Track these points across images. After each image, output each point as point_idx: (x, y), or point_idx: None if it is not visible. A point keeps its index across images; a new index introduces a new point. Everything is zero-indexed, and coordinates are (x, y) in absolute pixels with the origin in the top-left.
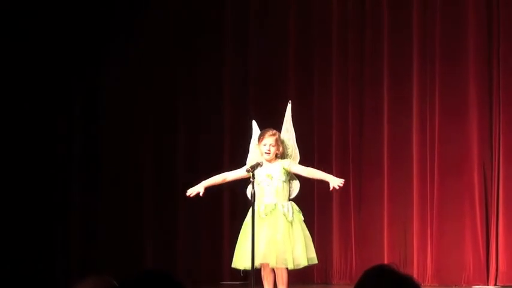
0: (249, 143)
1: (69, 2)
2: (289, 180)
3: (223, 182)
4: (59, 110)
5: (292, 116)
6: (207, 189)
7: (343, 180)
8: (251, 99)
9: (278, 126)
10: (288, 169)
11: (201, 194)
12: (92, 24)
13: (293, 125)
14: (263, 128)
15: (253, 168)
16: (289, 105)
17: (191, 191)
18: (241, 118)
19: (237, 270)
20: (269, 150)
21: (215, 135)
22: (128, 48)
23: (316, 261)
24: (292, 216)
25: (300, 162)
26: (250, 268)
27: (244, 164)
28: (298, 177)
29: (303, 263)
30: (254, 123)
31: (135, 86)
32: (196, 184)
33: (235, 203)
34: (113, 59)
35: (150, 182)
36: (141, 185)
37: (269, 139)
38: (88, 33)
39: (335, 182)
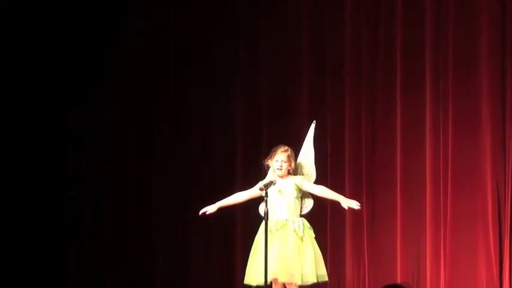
0: (261, 153)
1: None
2: (302, 197)
3: (237, 203)
4: (69, 111)
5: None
6: (221, 209)
7: (357, 202)
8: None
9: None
10: (300, 186)
11: (212, 213)
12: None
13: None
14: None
15: (267, 186)
16: (312, 125)
17: (205, 210)
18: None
19: (250, 287)
20: (281, 167)
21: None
22: (138, 51)
23: (326, 279)
24: (303, 232)
25: (315, 180)
26: (262, 284)
27: (256, 174)
28: (312, 194)
29: (311, 279)
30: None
31: (146, 94)
32: (208, 202)
33: (248, 219)
34: (123, 65)
35: (161, 195)
36: (151, 199)
37: (281, 155)
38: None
39: (346, 202)
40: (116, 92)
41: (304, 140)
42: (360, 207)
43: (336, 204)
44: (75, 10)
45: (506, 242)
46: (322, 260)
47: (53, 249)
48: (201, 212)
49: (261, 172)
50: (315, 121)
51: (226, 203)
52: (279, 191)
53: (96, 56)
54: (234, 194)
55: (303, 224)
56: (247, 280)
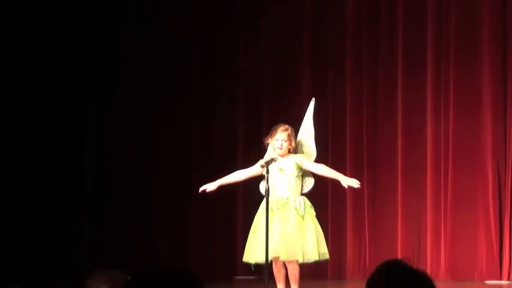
0: (262, 137)
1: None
2: (303, 176)
3: (238, 181)
4: (70, 108)
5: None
6: (221, 187)
7: (357, 181)
8: (264, 95)
9: (291, 121)
10: (300, 164)
11: (212, 191)
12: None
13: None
14: (285, 121)
15: (268, 163)
16: (312, 103)
17: (205, 187)
18: (254, 113)
19: (249, 265)
20: (281, 146)
21: (228, 130)
22: (139, 44)
23: (327, 257)
24: (304, 211)
25: (316, 159)
26: (261, 262)
27: (257, 158)
28: (313, 173)
29: (313, 257)
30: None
31: (147, 83)
32: (209, 181)
33: (249, 197)
34: (124, 58)
35: (162, 175)
36: (153, 180)
37: (281, 134)
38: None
39: (346, 181)
40: (119, 86)
41: (303, 117)
42: (360, 186)
43: (337, 183)
44: (75, 9)
45: (507, 221)
46: (324, 238)
47: (53, 249)
48: (200, 189)
49: (262, 154)
50: (314, 98)
51: (226, 181)
52: (280, 170)
53: (96, 55)
54: (235, 172)
55: (304, 203)
56: (246, 258)
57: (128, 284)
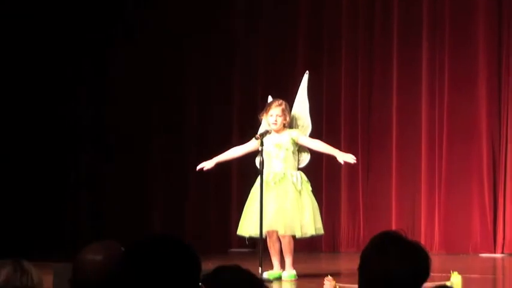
0: (257, 112)
1: None
2: (298, 151)
3: (234, 157)
4: (68, 74)
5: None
6: (218, 164)
7: (353, 156)
8: (260, 69)
9: (286, 97)
10: (296, 140)
11: (210, 168)
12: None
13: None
14: (279, 96)
15: (262, 135)
16: (306, 76)
17: (202, 165)
18: (250, 88)
19: (243, 238)
20: (276, 121)
21: (224, 105)
22: (138, 19)
23: (322, 232)
24: (301, 186)
25: (310, 135)
26: (255, 236)
27: (253, 132)
28: (309, 148)
29: (310, 232)
30: (270, 98)
31: (146, 56)
32: (204, 157)
33: (244, 171)
34: (124, 28)
35: (160, 149)
36: (151, 152)
37: (275, 109)
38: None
39: (342, 157)
40: (115, 60)
41: (297, 91)
42: (355, 161)
43: (332, 158)
44: None
45: (501, 194)
46: (319, 213)
47: (48, 220)
48: (198, 167)
49: (256, 128)
50: (307, 71)
51: (223, 158)
52: (276, 145)
53: (93, 42)
54: (231, 149)
55: (301, 178)
56: (241, 231)
57: (122, 254)
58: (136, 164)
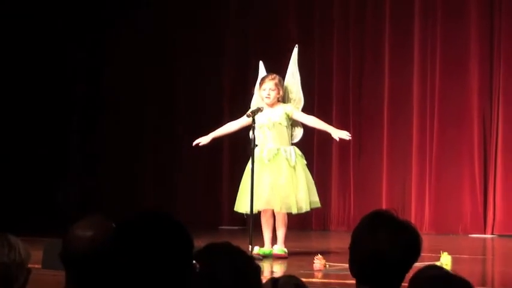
0: (252, 87)
1: None
2: (292, 126)
3: (230, 132)
4: (64, 53)
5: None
6: (214, 140)
7: (347, 133)
8: (251, 45)
9: (279, 71)
10: (290, 114)
11: (206, 144)
12: None
13: None
14: (272, 70)
15: (254, 113)
16: (295, 49)
17: (198, 141)
18: (241, 63)
19: (237, 215)
20: (269, 95)
21: (215, 76)
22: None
23: (319, 205)
24: (295, 161)
25: (302, 110)
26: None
27: (244, 106)
28: (302, 124)
29: (305, 207)
30: (261, 64)
31: (137, 34)
32: (196, 132)
33: (235, 148)
34: (116, 14)
35: (151, 126)
36: (142, 129)
37: (269, 83)
38: None
39: (337, 133)
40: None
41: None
42: (350, 138)
43: (324, 137)
44: None
45: (491, 176)
46: (314, 186)
47: (39, 195)
48: (194, 143)
49: (248, 102)
50: (297, 45)
51: (219, 133)
52: (269, 120)
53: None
54: (226, 124)
55: (295, 153)
56: (238, 208)
57: (113, 231)
58: (128, 140)
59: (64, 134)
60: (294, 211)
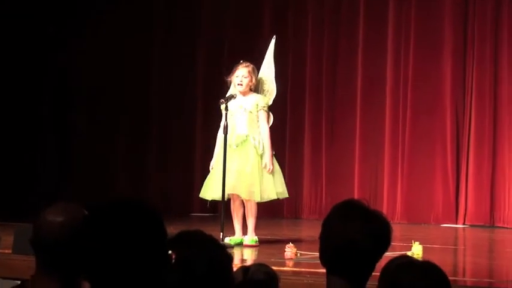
0: (224, 77)
1: None
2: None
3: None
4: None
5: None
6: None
7: (270, 168)
8: (226, 36)
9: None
10: (258, 108)
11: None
12: None
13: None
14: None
15: (227, 100)
16: (273, 40)
17: (211, 167)
18: (215, 55)
19: (205, 201)
20: (241, 82)
21: (187, 67)
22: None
23: (286, 195)
24: (263, 149)
25: (274, 102)
26: (217, 199)
27: (217, 98)
28: (272, 111)
29: (271, 196)
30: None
31: (112, 17)
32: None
33: (208, 135)
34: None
35: (124, 113)
36: (115, 116)
37: (241, 70)
38: None
39: (267, 159)
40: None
41: (265, 55)
42: (269, 170)
43: (296, 124)
44: None
45: (463, 166)
46: (282, 177)
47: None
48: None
49: (222, 95)
50: (275, 36)
51: (219, 146)
52: (240, 107)
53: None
54: (218, 136)
55: (263, 141)
56: (203, 194)
57: (84, 215)
58: (103, 127)
59: (36, 123)
60: (258, 199)
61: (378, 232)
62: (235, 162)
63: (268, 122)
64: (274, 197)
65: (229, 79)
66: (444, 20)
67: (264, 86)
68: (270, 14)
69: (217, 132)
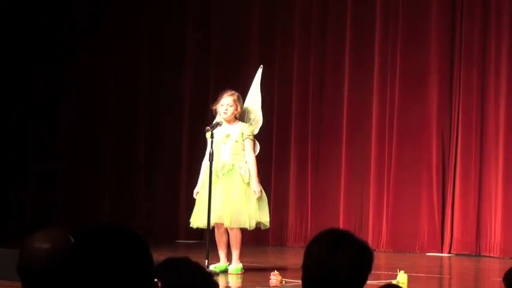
0: (209, 101)
1: None
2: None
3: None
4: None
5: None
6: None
7: (258, 193)
8: (213, 61)
9: (239, 89)
10: (243, 138)
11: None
12: None
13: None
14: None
15: (213, 127)
16: (260, 70)
17: (196, 192)
18: (203, 79)
19: (191, 229)
20: (226, 110)
21: (175, 97)
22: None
23: (268, 226)
24: (249, 178)
25: (261, 129)
26: (203, 227)
27: (203, 126)
28: (258, 139)
29: (255, 224)
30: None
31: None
32: (155, 149)
33: (193, 162)
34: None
35: (110, 140)
36: (101, 143)
37: (227, 99)
38: None
39: (254, 185)
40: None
41: (251, 84)
42: (257, 196)
43: (281, 149)
44: None
45: (449, 194)
46: (267, 206)
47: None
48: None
49: (207, 121)
50: (262, 66)
51: (203, 174)
52: (226, 136)
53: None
54: (202, 165)
55: (249, 169)
56: (193, 223)
57: (71, 244)
58: (88, 152)
59: (22, 146)
60: (246, 226)
61: (363, 261)
62: (221, 191)
63: (254, 150)
64: (262, 221)
65: (214, 107)
66: (430, 48)
67: (251, 115)
68: (258, 40)
69: (202, 159)
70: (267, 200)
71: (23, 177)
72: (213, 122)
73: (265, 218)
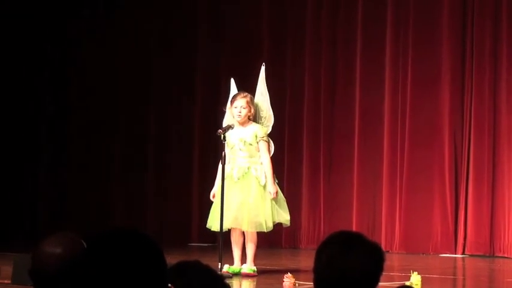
0: (224, 104)
1: None
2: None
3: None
4: (30, 67)
5: (266, 78)
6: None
7: (274, 194)
8: (223, 65)
9: (251, 90)
10: (257, 139)
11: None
12: None
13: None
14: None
15: (225, 130)
16: (262, 68)
17: (212, 194)
18: (213, 81)
19: (207, 232)
20: (240, 113)
21: (185, 95)
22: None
23: (288, 224)
24: (265, 180)
25: (273, 130)
26: (218, 231)
27: (214, 126)
28: (272, 140)
29: (281, 219)
30: (232, 82)
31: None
32: (165, 152)
33: (206, 165)
34: (86, 23)
35: (120, 142)
36: (112, 145)
37: (240, 101)
38: None
39: (270, 187)
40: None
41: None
42: (274, 197)
43: (294, 152)
44: None
45: (462, 195)
46: (286, 205)
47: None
48: (211, 197)
49: (218, 122)
50: (264, 63)
51: (220, 177)
52: (240, 139)
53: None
54: (218, 169)
55: (265, 171)
56: (210, 225)
57: (83, 248)
58: (97, 157)
59: (34, 151)
60: (263, 229)
61: (371, 262)
62: (237, 195)
63: (269, 151)
64: (282, 220)
65: (226, 109)
66: (442, 51)
67: (262, 113)
68: (269, 45)
69: (214, 162)
70: (284, 199)
71: (34, 181)
72: (224, 125)
73: (285, 217)
